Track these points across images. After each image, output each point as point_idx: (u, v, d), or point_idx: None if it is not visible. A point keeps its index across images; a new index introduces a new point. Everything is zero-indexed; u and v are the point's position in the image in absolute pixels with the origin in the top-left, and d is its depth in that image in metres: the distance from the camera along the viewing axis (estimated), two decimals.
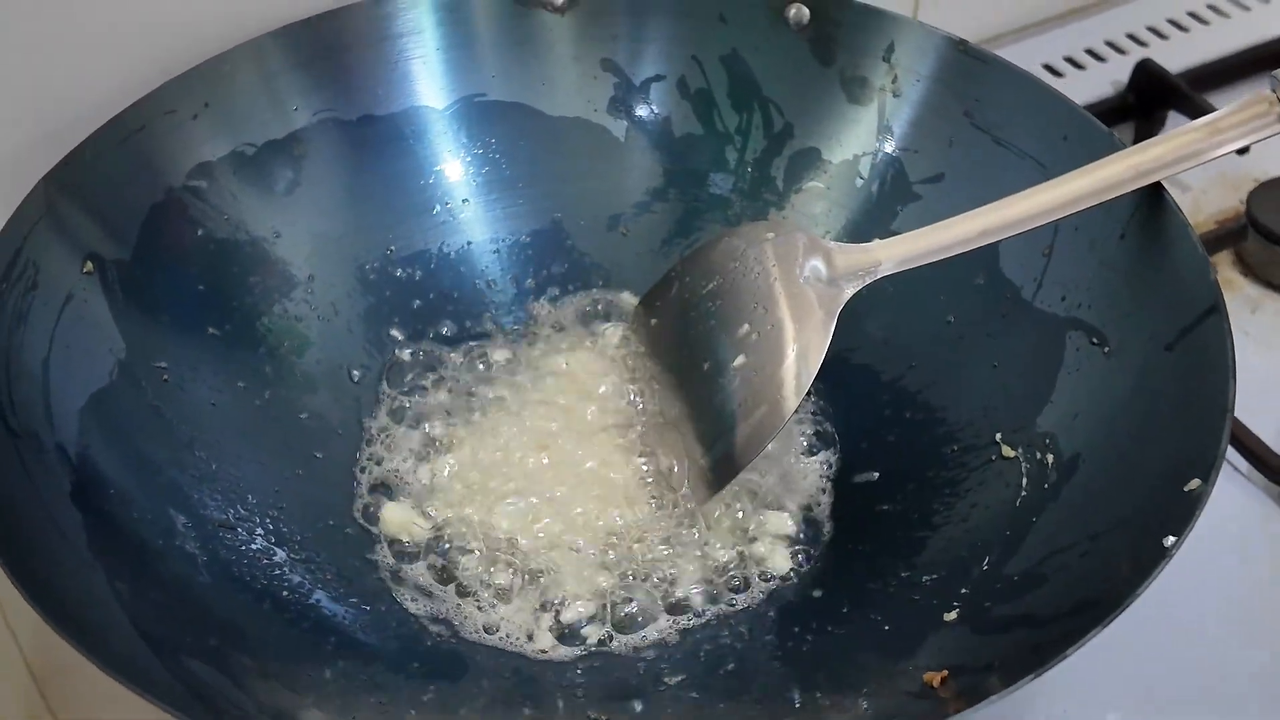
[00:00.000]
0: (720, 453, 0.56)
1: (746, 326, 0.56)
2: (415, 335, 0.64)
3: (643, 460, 0.59)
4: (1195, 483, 0.46)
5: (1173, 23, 0.88)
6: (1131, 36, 0.87)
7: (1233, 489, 0.63)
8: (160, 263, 0.58)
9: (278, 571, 0.54)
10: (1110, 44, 0.86)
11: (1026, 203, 0.54)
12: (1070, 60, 0.85)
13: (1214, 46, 0.85)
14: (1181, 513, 0.45)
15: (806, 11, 0.64)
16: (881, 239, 0.57)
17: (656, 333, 0.61)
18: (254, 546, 0.54)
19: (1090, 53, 0.86)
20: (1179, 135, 0.53)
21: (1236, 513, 0.63)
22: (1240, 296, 0.73)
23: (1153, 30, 0.87)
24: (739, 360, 0.55)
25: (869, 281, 0.55)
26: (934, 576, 0.53)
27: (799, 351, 0.54)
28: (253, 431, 0.58)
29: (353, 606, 0.54)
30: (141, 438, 0.54)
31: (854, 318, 0.56)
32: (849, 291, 0.55)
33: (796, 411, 0.54)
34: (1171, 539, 0.44)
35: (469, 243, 0.66)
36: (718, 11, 0.65)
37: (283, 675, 0.49)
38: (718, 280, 0.58)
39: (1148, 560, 0.44)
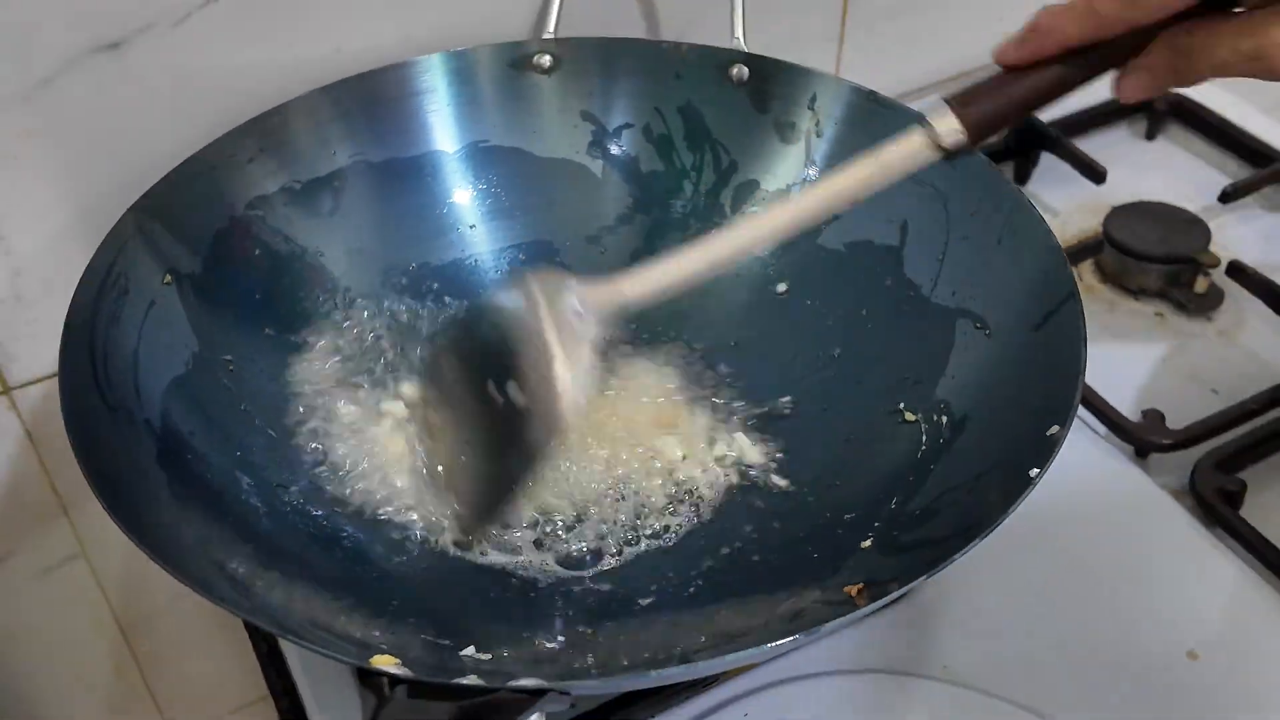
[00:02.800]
0: (500, 481, 0.53)
1: (527, 366, 0.51)
2: (431, 331, 0.65)
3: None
4: (1055, 428, 0.48)
5: None
6: None
7: (1094, 449, 0.66)
8: (226, 275, 0.60)
9: (324, 519, 0.56)
10: None
11: (735, 236, 0.50)
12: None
13: (1077, 100, 0.87)
14: (1044, 452, 0.47)
15: (746, 70, 0.67)
16: (627, 275, 0.51)
17: (449, 383, 0.56)
18: (301, 499, 0.56)
19: None
20: (851, 172, 0.48)
21: (1097, 464, 0.65)
22: (1100, 299, 0.76)
23: None
24: (521, 400, 0.51)
25: (618, 312, 0.51)
26: (853, 515, 0.55)
27: (570, 385, 0.50)
28: None
29: (378, 541, 0.55)
30: (212, 414, 0.56)
31: (789, 313, 0.57)
32: (603, 323, 0.51)
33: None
34: (1035, 471, 0.46)
35: (475, 259, 0.68)
36: (674, 71, 0.68)
37: (326, 596, 0.50)
38: (500, 329, 0.53)
39: (1016, 490, 0.46)
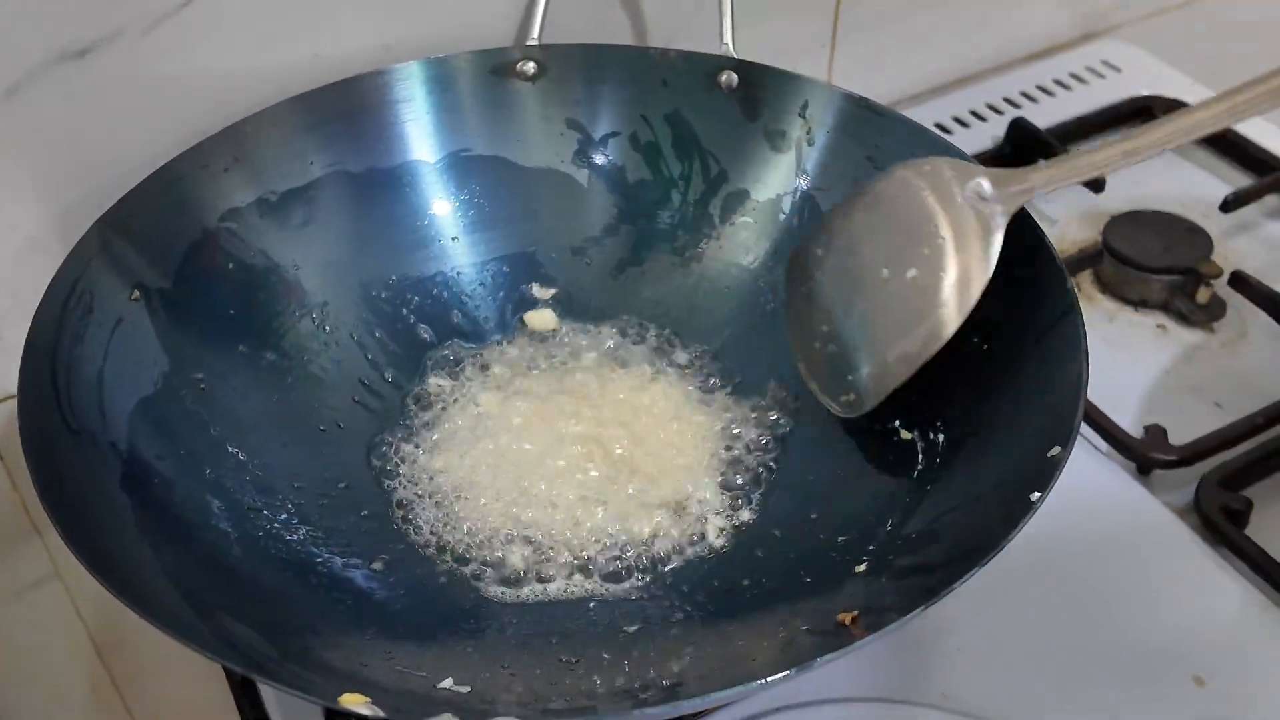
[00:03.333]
0: (884, 358, 0.54)
1: (923, 243, 0.53)
2: (412, 346, 0.64)
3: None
4: (1056, 449, 0.46)
5: (1041, 89, 0.89)
6: (1007, 100, 0.88)
7: (1095, 466, 0.64)
8: (197, 290, 0.58)
9: (298, 545, 0.54)
10: (989, 106, 0.88)
11: (1141, 139, 0.53)
12: (957, 119, 0.87)
13: (1075, 107, 0.87)
14: (1045, 474, 0.46)
15: (735, 77, 0.65)
16: (1037, 168, 0.54)
17: (821, 261, 0.58)
18: (277, 525, 0.54)
19: (973, 113, 0.87)
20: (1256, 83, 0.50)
21: (1098, 482, 0.63)
22: (1100, 309, 0.74)
23: (1025, 95, 0.89)
24: (912, 273, 0.53)
25: (1024, 201, 0.53)
26: (847, 537, 0.53)
27: (961, 268, 0.52)
28: (276, 429, 0.58)
29: (359, 568, 0.54)
30: (181, 436, 0.54)
31: (776, 323, 0.56)
32: (1009, 209, 0.53)
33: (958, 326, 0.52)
34: (1037, 494, 0.45)
35: (458, 272, 0.66)
36: (661, 78, 0.66)
37: (298, 627, 0.49)
38: (881, 209, 0.56)
39: (1018, 513, 0.44)
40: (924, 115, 0.86)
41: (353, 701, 0.40)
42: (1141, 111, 0.86)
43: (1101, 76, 0.90)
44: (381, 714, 0.40)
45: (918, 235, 0.54)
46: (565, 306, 0.66)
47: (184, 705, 0.85)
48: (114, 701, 0.83)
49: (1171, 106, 0.85)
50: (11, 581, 0.74)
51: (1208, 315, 0.72)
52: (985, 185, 0.53)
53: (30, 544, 0.72)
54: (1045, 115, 0.85)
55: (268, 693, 0.57)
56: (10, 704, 0.79)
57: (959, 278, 0.52)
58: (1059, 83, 0.90)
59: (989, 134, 0.85)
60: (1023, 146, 0.83)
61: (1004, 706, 0.53)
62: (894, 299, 0.54)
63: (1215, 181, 0.83)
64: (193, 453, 0.54)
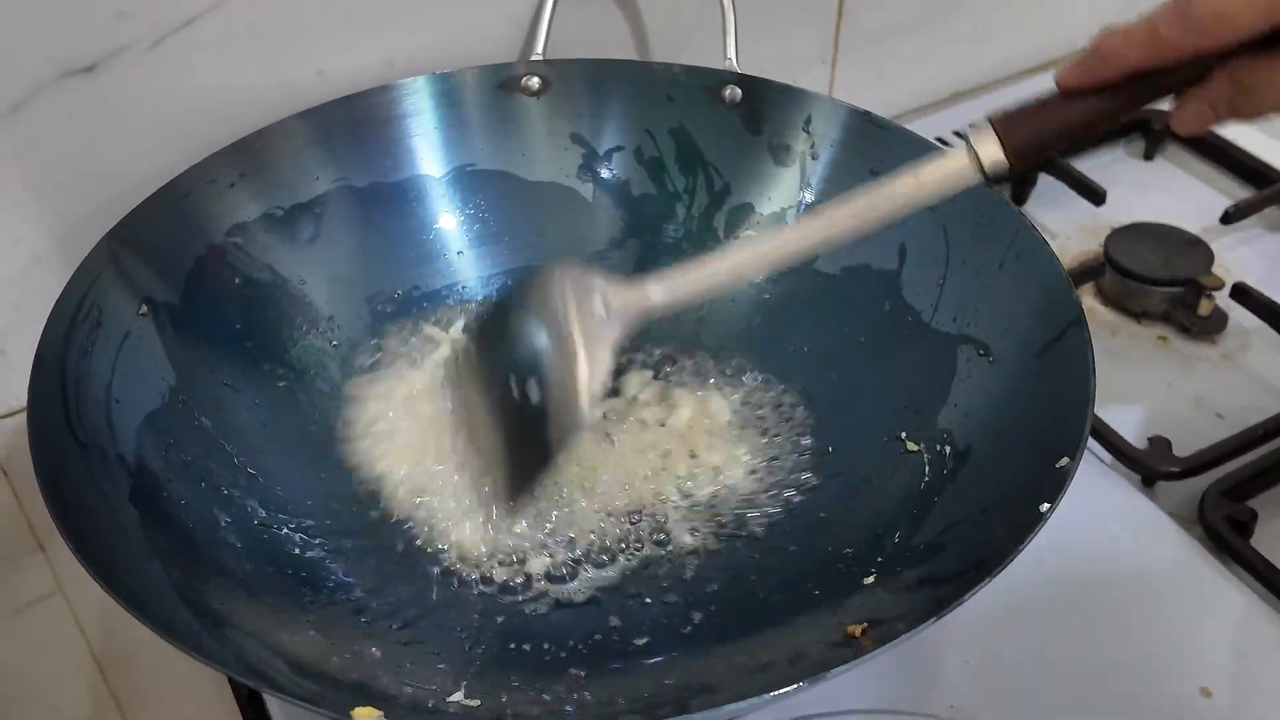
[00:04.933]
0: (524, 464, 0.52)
1: (548, 359, 0.51)
2: (417, 360, 0.63)
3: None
4: (1064, 460, 0.46)
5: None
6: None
7: (1099, 478, 0.64)
8: (204, 305, 0.58)
9: (308, 559, 0.53)
10: None
11: (761, 247, 0.50)
12: (959, 134, 0.87)
13: None
14: (1054, 485, 0.46)
15: (739, 91, 0.66)
16: (654, 279, 0.51)
17: (465, 387, 0.56)
18: (285, 539, 0.54)
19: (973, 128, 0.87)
20: (886, 188, 0.47)
21: (1102, 494, 0.63)
22: (1102, 322, 0.74)
23: None
24: (537, 394, 0.51)
25: (645, 317, 0.50)
26: (853, 549, 0.53)
27: (586, 387, 0.50)
28: (284, 444, 0.58)
29: (363, 582, 0.54)
30: (189, 450, 0.54)
31: (783, 334, 0.56)
32: (625, 327, 0.50)
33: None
34: (1046, 506, 0.45)
35: (463, 286, 0.66)
36: (666, 93, 0.66)
37: (308, 641, 0.48)
38: (507, 325, 0.54)
39: (1027, 525, 0.44)
40: (925, 129, 0.85)
41: (365, 715, 0.40)
42: (1141, 124, 0.86)
43: None
44: None
45: (550, 352, 0.51)
46: None
47: None
48: (116, 718, 0.82)
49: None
50: (14, 598, 0.73)
51: (1209, 327, 0.72)
52: (599, 303, 0.50)
53: (33, 560, 0.72)
54: None
55: (275, 707, 0.56)
56: None
57: (564, 404, 0.50)
58: None
59: None
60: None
61: (1012, 719, 0.53)
62: (517, 422, 0.52)
63: (1214, 194, 0.83)
64: (200, 467, 0.54)
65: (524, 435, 0.52)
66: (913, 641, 0.55)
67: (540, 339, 0.51)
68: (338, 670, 0.47)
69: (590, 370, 0.49)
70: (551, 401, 0.50)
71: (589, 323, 0.50)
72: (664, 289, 0.50)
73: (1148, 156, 0.87)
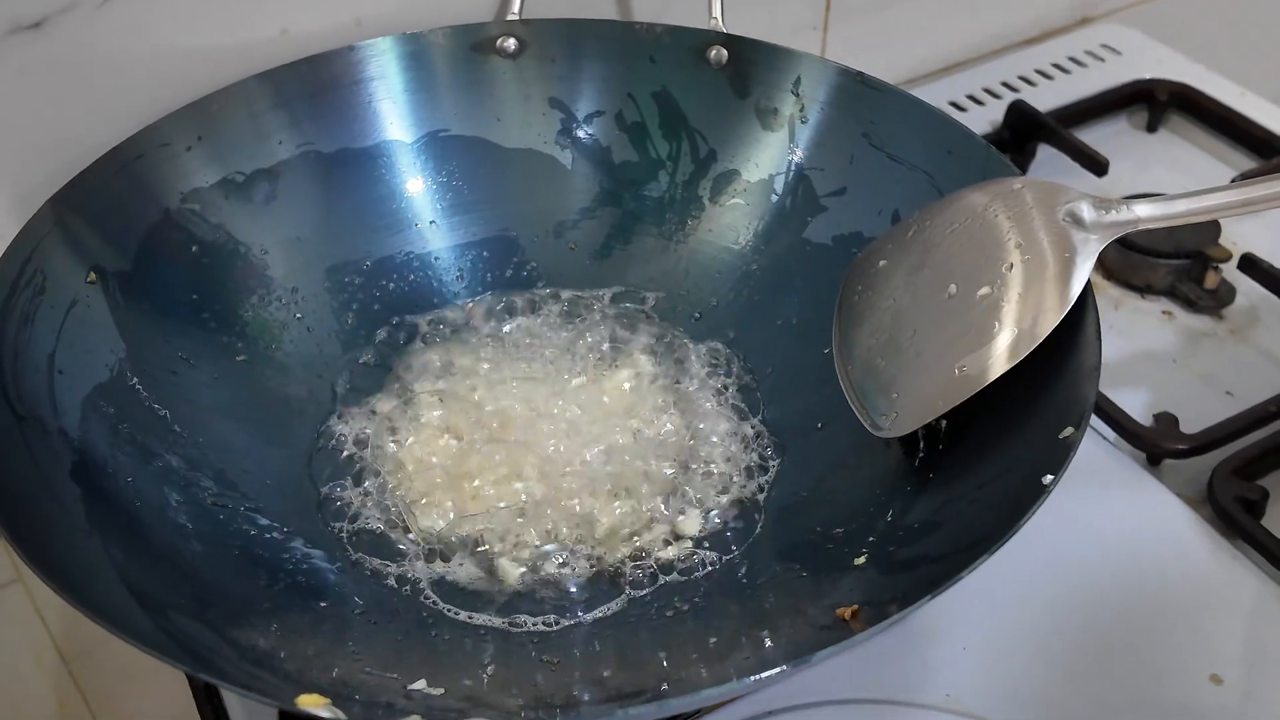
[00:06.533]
0: (938, 379, 0.49)
1: (1004, 259, 0.49)
2: (385, 333, 0.61)
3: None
4: (1069, 430, 0.44)
5: (1039, 72, 0.87)
6: (1005, 84, 0.86)
7: (1103, 456, 0.61)
8: (157, 274, 0.55)
9: (262, 540, 0.51)
10: (987, 90, 0.85)
11: (1250, 191, 0.49)
12: (954, 104, 0.84)
13: (1074, 90, 0.84)
14: (1058, 456, 0.43)
15: (725, 52, 0.63)
16: (1140, 200, 0.51)
17: (885, 271, 0.54)
18: (239, 519, 0.51)
19: (970, 97, 0.85)
20: None
21: (1106, 472, 0.61)
22: (1105, 297, 0.71)
23: (1023, 78, 0.86)
24: (983, 290, 0.49)
25: (1124, 232, 0.50)
26: (843, 529, 0.51)
27: (1037, 293, 0.48)
28: (237, 419, 0.55)
29: (323, 565, 0.51)
30: (138, 425, 0.51)
31: (775, 314, 0.54)
32: (1105, 238, 0.49)
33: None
34: (1049, 478, 0.42)
35: (435, 256, 0.63)
36: (648, 54, 0.64)
37: (260, 627, 0.46)
38: (961, 224, 0.52)
39: (1028, 498, 0.42)
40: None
41: (310, 703, 0.37)
42: (1144, 94, 0.83)
43: (1101, 60, 0.88)
44: (342, 716, 0.37)
45: (993, 255, 0.50)
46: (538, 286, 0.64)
47: (156, 715, 0.82)
48: (81, 714, 0.80)
49: (1176, 89, 0.83)
50: None
51: (1216, 301, 0.70)
52: (1084, 209, 0.50)
53: None
54: (1045, 98, 0.82)
55: (231, 700, 0.54)
56: None
57: (1033, 302, 0.48)
58: (1058, 66, 0.87)
59: (987, 118, 0.82)
60: (1021, 130, 0.80)
61: (1012, 708, 0.51)
62: (959, 318, 0.50)
63: (1219, 165, 0.80)
64: (149, 442, 0.51)
65: (952, 346, 0.49)
66: (906, 625, 0.53)
67: (1001, 246, 0.49)
68: (290, 657, 0.45)
69: (1069, 280, 0.48)
70: (1000, 308, 0.48)
71: (1065, 230, 0.49)
72: (1152, 209, 0.49)
73: (1150, 128, 0.84)
